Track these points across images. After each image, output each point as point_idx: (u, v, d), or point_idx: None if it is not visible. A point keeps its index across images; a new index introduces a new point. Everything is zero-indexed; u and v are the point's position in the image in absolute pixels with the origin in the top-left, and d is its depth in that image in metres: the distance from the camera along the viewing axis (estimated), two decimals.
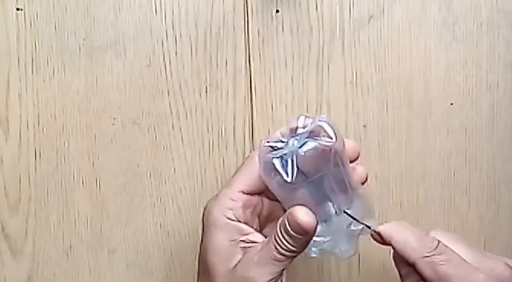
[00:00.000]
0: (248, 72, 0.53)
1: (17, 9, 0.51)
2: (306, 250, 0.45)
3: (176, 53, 0.52)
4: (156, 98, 0.53)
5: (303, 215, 0.42)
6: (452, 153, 0.55)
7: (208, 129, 0.53)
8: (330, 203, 0.44)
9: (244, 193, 0.45)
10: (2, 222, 0.53)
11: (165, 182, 0.54)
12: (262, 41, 0.53)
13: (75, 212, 0.53)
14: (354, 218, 0.45)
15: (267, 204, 0.47)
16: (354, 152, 0.46)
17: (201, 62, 0.53)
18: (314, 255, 0.46)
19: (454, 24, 0.54)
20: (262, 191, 0.46)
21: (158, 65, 0.52)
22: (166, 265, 0.55)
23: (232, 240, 0.44)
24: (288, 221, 0.42)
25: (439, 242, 0.43)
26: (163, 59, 0.52)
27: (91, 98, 0.53)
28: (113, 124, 0.53)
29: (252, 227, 0.45)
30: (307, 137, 0.43)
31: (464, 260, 0.43)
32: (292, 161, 0.42)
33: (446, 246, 0.43)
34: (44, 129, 0.52)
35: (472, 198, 0.56)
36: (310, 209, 0.43)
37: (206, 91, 0.53)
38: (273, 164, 0.42)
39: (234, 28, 0.53)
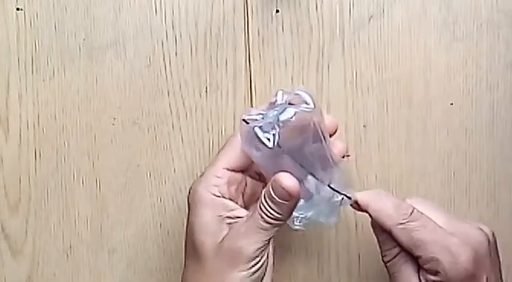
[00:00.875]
0: (248, 72, 0.53)
1: (17, 9, 0.51)
2: (290, 223, 0.45)
3: (176, 53, 0.52)
4: (156, 98, 0.53)
5: (287, 179, 0.43)
6: (452, 153, 0.55)
7: (208, 129, 0.53)
8: (312, 176, 0.45)
9: (228, 170, 0.46)
10: (2, 222, 0.53)
11: (165, 182, 0.54)
12: (262, 41, 0.53)
13: (75, 212, 0.53)
14: (337, 191, 0.45)
15: (251, 184, 0.48)
16: (332, 125, 0.47)
17: (201, 62, 0.53)
18: (298, 228, 0.46)
19: (454, 24, 0.54)
20: (246, 169, 0.47)
21: (158, 65, 0.52)
22: (166, 265, 0.55)
23: (218, 216, 0.44)
24: (272, 187, 0.43)
25: (414, 209, 0.44)
26: (163, 59, 0.52)
27: (91, 98, 0.53)
28: (113, 124, 0.53)
29: (237, 204, 0.46)
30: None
31: (439, 225, 0.44)
32: (273, 126, 0.43)
33: (422, 213, 0.44)
34: (44, 129, 0.53)
35: (472, 198, 0.56)
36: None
37: (206, 91, 0.53)
38: (255, 133, 0.43)
39: (234, 28, 0.53)
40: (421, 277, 0.44)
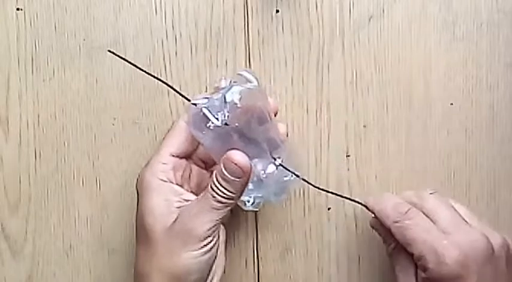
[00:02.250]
0: None
1: (17, 9, 0.51)
2: (241, 206, 0.47)
3: (176, 53, 0.52)
4: (156, 98, 0.53)
5: (238, 156, 0.44)
6: (452, 153, 0.55)
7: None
8: (263, 156, 0.46)
9: (173, 156, 0.47)
10: (2, 222, 0.53)
11: None
12: (262, 41, 0.53)
13: (75, 212, 0.53)
14: (286, 168, 0.47)
15: (196, 172, 0.49)
16: (274, 106, 0.48)
17: (201, 62, 0.53)
18: (250, 209, 0.48)
19: (454, 24, 0.54)
20: (190, 156, 0.48)
21: (158, 65, 0.52)
22: None
23: (166, 200, 0.45)
24: (224, 165, 0.44)
25: (410, 208, 0.46)
26: (163, 59, 0.52)
27: (91, 98, 0.53)
28: (113, 124, 0.53)
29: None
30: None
31: (435, 225, 0.45)
32: (220, 107, 0.44)
33: (419, 212, 0.46)
34: (44, 129, 0.53)
35: (472, 198, 0.56)
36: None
37: (206, 91, 0.53)
38: (203, 113, 0.44)
39: (234, 28, 0.53)
40: (417, 271, 0.46)
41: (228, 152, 0.44)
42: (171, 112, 0.53)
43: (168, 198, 0.45)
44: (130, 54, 0.52)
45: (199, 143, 0.47)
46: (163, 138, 0.48)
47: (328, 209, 0.54)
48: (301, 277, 0.55)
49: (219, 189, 0.44)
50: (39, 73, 0.52)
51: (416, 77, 0.54)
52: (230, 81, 0.45)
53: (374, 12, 0.53)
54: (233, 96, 0.44)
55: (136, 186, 0.47)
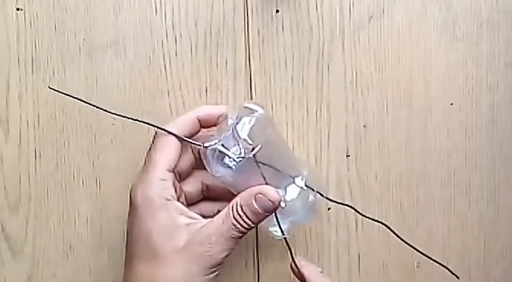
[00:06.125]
0: (248, 72, 0.53)
1: (17, 9, 0.51)
2: (273, 234, 0.47)
3: (176, 53, 0.52)
4: (156, 98, 0.53)
5: (273, 192, 0.45)
6: (452, 153, 0.55)
7: (208, 129, 0.53)
8: (285, 181, 0.47)
9: (169, 172, 0.46)
10: (2, 222, 0.53)
11: None
12: (262, 41, 0.53)
13: (75, 212, 0.53)
14: (312, 189, 0.47)
15: (177, 186, 0.48)
16: (221, 112, 0.48)
17: (201, 62, 0.53)
18: (284, 236, 0.47)
19: (454, 24, 0.54)
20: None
21: (158, 65, 0.52)
22: None
23: (174, 219, 0.45)
24: (257, 200, 0.44)
25: None
26: (163, 59, 0.52)
27: (91, 98, 0.52)
28: (113, 124, 0.53)
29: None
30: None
31: None
32: (234, 139, 0.44)
33: None
34: (44, 129, 0.53)
35: (472, 198, 0.56)
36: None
37: (206, 91, 0.53)
38: (219, 150, 0.44)
39: (234, 28, 0.53)
40: None
41: (260, 188, 0.45)
42: (171, 112, 0.53)
43: (175, 216, 0.45)
44: (130, 54, 0.52)
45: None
46: (152, 153, 0.47)
47: (328, 209, 0.54)
48: None
49: (243, 220, 0.44)
50: (39, 73, 0.52)
51: (416, 77, 0.54)
52: (237, 117, 0.46)
53: (374, 12, 0.53)
54: (244, 127, 0.45)
55: (132, 203, 0.46)
